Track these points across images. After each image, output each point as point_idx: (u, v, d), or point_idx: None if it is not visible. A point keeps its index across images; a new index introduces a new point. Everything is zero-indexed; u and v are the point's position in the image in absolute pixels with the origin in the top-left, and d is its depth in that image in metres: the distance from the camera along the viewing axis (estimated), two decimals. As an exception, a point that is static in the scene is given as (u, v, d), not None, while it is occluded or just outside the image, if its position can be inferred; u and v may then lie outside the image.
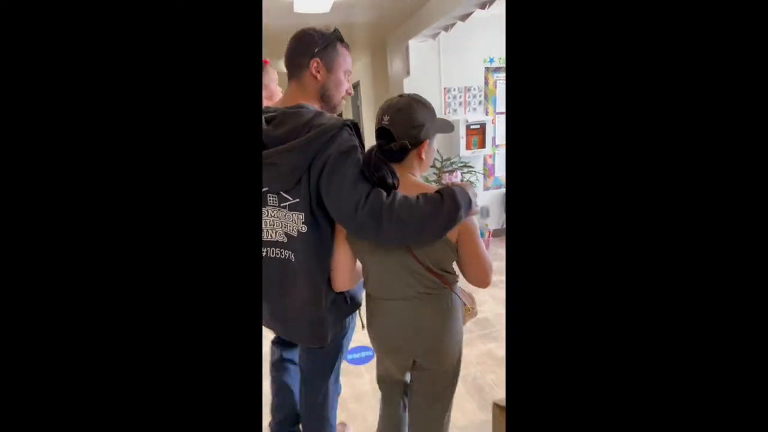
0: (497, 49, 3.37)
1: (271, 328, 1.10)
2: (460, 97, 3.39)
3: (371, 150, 0.86)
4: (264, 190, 0.90)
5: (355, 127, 0.89)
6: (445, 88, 3.33)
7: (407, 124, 0.86)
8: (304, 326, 1.00)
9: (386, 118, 0.86)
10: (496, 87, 3.48)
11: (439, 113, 2.92)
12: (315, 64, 0.94)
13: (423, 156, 0.91)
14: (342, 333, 1.08)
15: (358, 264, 0.98)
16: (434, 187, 0.89)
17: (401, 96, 0.89)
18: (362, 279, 1.00)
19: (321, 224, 0.90)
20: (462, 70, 3.35)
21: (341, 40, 0.98)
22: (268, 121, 0.88)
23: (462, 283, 0.96)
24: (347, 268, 0.96)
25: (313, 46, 0.94)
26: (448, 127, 0.98)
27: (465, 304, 1.02)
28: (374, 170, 0.83)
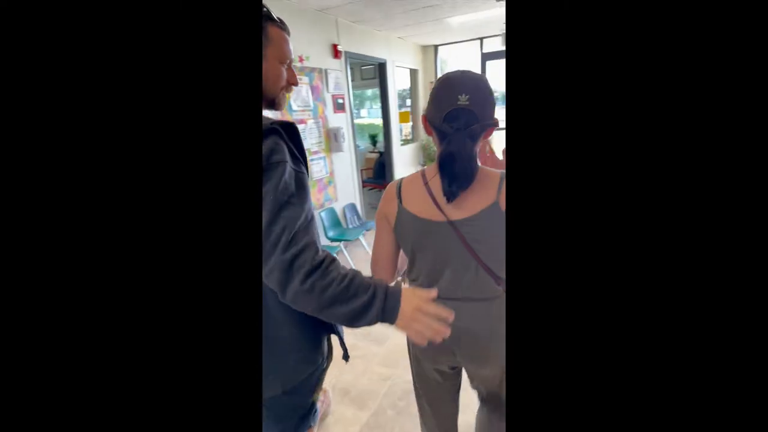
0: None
1: None
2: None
3: (459, 134, 0.71)
4: None
5: (290, 130, 0.69)
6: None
7: (489, 102, 0.72)
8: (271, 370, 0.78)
9: (464, 96, 0.70)
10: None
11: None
12: (268, 59, 0.73)
13: (488, 136, 0.77)
14: (307, 378, 0.81)
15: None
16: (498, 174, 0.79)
17: (463, 72, 0.74)
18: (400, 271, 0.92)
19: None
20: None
21: (272, 20, 0.73)
22: None
23: None
24: (390, 259, 0.89)
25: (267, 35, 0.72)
26: None
27: None
28: (465, 155, 0.71)
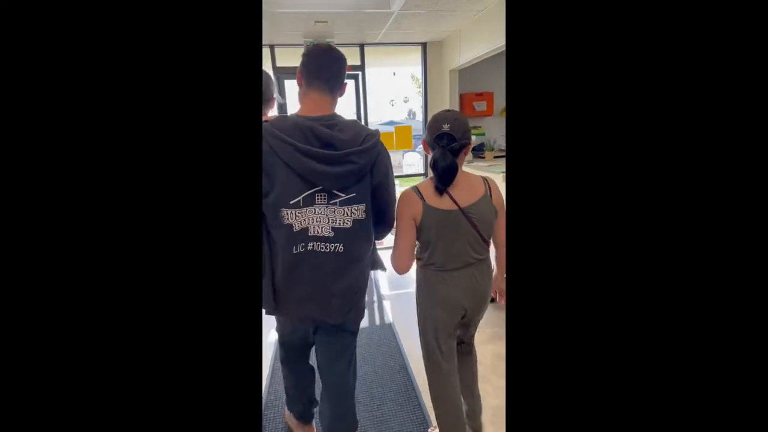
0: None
1: (309, 318, 1.16)
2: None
3: (442, 149, 1.13)
4: (311, 192, 1.01)
5: None
6: None
7: (464, 129, 1.15)
8: (351, 306, 1.15)
9: (446, 125, 1.13)
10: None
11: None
12: (345, 87, 1.13)
13: (467, 152, 1.20)
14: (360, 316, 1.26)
15: None
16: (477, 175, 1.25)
17: (447, 111, 1.19)
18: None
19: (371, 212, 1.11)
20: None
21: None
22: (330, 127, 1.01)
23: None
24: (413, 250, 1.23)
25: (346, 71, 1.11)
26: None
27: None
28: (446, 163, 1.12)
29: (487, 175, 1.29)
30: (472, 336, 1.44)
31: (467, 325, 1.35)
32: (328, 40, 3.21)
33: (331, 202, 1.02)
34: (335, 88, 1.08)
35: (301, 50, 3.23)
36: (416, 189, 1.19)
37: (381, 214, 1.16)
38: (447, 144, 1.12)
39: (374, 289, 2.99)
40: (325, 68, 1.05)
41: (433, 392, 1.35)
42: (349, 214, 1.05)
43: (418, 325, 1.34)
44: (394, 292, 2.94)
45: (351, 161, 0.99)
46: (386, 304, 2.74)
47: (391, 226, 1.23)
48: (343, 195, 1.03)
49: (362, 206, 1.06)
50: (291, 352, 1.40)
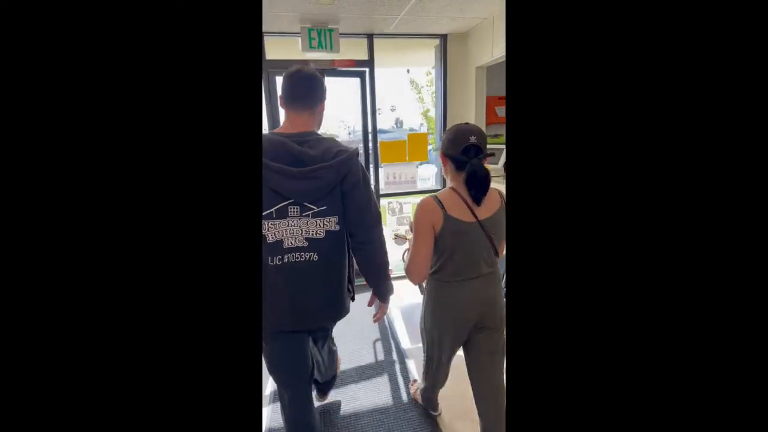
0: None
1: (294, 324, 1.20)
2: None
3: (479, 160, 1.16)
4: (284, 204, 1.08)
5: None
6: None
7: (486, 141, 1.19)
8: (333, 308, 1.23)
9: (473, 137, 1.16)
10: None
11: None
12: (324, 104, 1.20)
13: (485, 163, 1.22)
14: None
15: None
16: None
17: (466, 123, 1.21)
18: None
19: (343, 224, 1.16)
20: None
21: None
22: (300, 144, 1.09)
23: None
24: (430, 258, 1.22)
25: (324, 90, 1.19)
26: None
27: None
28: (485, 174, 1.16)
29: None
30: (497, 344, 1.35)
31: (484, 330, 1.32)
32: (331, 27, 2.60)
33: (304, 214, 1.10)
34: (313, 106, 1.16)
35: (298, 40, 2.58)
36: (436, 198, 1.20)
37: (355, 230, 1.19)
38: (475, 155, 1.17)
39: (392, 343, 2.37)
40: (302, 89, 1.14)
41: (427, 380, 1.53)
42: (322, 226, 1.12)
43: (421, 332, 1.41)
44: (416, 345, 2.33)
45: (317, 177, 1.07)
46: (410, 363, 2.13)
47: (376, 246, 1.23)
48: (315, 207, 1.10)
49: (334, 218, 1.13)
50: (282, 379, 1.31)
